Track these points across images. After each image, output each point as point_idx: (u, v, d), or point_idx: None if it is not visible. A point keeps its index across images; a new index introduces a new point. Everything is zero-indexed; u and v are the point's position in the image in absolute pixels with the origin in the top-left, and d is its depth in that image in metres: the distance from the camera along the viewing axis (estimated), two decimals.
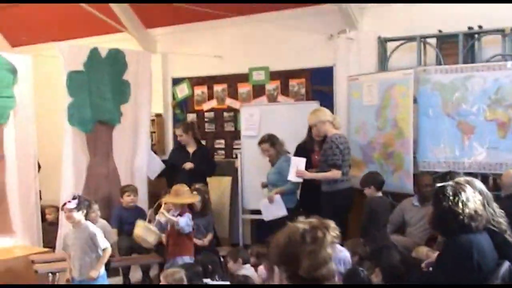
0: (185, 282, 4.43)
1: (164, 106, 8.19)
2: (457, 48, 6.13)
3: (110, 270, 5.80)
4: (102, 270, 4.77)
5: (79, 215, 4.53)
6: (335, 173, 5.69)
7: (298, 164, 5.92)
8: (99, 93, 6.33)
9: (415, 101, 6.12)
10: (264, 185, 6.47)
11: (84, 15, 7.57)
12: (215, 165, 7.22)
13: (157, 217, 5.49)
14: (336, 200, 5.75)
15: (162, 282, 4.47)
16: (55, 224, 7.63)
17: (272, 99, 7.53)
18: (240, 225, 7.05)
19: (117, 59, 6.51)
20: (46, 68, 8.09)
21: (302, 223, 1.83)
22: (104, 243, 4.73)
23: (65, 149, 6.19)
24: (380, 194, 5.74)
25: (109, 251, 4.82)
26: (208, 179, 6.96)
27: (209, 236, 6.26)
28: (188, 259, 5.29)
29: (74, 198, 4.55)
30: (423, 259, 4.85)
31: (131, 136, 6.62)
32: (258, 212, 6.47)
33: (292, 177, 5.93)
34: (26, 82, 7.20)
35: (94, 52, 6.32)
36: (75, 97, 6.20)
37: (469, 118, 5.89)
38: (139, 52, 7.64)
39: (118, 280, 6.06)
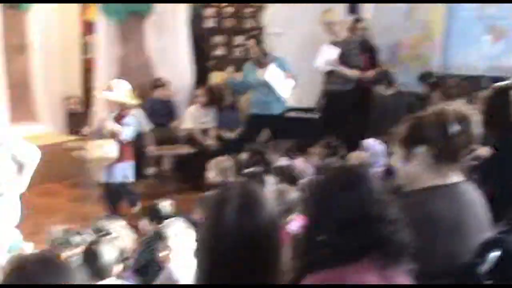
0: (233, 171, 4.62)
1: None
2: None
3: (145, 159, 5.95)
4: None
5: None
6: (355, 73, 6.02)
7: (330, 52, 5.98)
8: None
9: None
10: None
11: None
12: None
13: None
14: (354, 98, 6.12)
15: (212, 169, 4.64)
16: (78, 113, 7.71)
17: None
18: None
19: None
20: None
21: (447, 106, 1.96)
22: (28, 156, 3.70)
23: (97, 39, 6.11)
24: (391, 91, 5.88)
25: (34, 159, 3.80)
26: None
27: (238, 130, 6.44)
28: (126, 165, 4.95)
29: None
30: None
31: (166, 27, 6.50)
32: None
33: (319, 64, 6.02)
34: None
35: None
36: None
37: (501, 22, 5.96)
38: None
39: (151, 171, 6.20)
